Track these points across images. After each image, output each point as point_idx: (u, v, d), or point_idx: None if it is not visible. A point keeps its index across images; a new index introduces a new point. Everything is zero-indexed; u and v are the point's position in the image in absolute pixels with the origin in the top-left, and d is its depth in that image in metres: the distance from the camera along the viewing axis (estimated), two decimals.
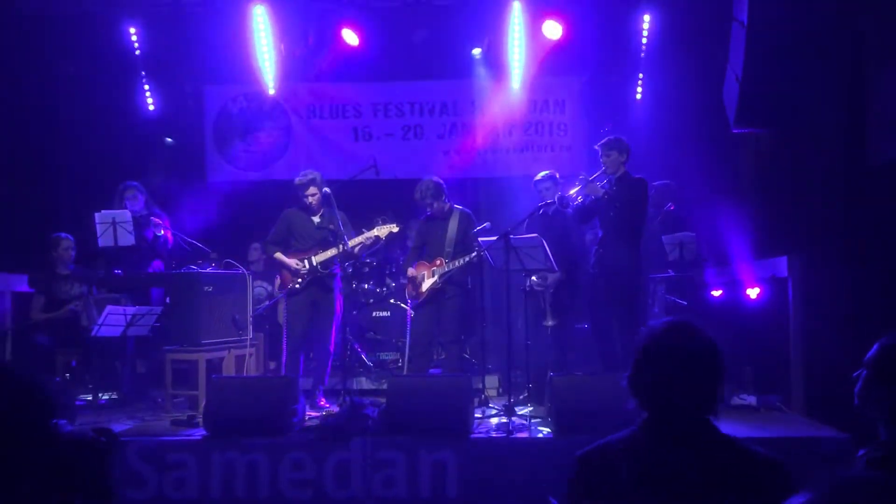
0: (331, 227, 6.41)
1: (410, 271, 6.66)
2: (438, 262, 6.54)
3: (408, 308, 7.10)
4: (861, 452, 2.13)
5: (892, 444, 2.11)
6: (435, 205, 6.56)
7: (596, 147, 6.31)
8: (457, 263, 6.47)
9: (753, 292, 6.49)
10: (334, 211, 6.39)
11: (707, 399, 2.03)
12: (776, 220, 6.60)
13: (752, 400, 6.01)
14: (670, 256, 7.25)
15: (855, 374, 2.25)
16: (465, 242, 6.58)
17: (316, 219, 6.61)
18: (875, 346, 2.20)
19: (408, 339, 6.96)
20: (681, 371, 2.01)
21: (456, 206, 6.72)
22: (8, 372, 1.71)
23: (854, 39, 5.94)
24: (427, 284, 6.55)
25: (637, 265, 6.13)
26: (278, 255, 6.58)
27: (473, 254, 6.36)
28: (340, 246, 6.30)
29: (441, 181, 6.61)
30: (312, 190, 6.49)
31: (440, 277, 6.51)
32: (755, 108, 6.22)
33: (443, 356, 6.98)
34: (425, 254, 6.71)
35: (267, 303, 7.54)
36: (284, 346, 6.66)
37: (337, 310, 6.55)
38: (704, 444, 2.01)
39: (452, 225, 6.61)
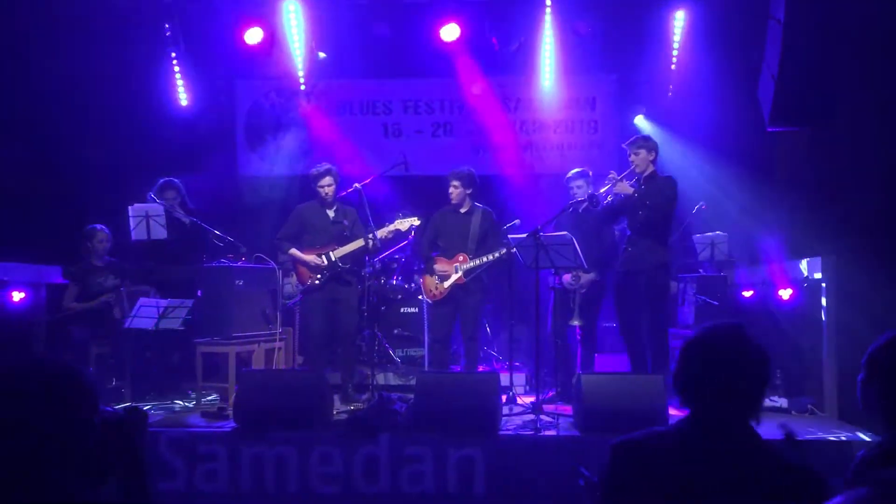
0: (345, 222, 6.45)
1: (437, 267, 6.52)
2: (462, 258, 6.45)
3: (424, 302, 7.02)
4: (861, 453, 2.14)
5: (889, 443, 2.09)
6: (459, 191, 6.46)
7: (624, 146, 6.26)
8: (484, 260, 6.38)
9: (786, 293, 6.39)
10: (366, 208, 6.39)
11: (751, 404, 2.03)
12: (810, 219, 6.50)
13: (783, 402, 5.94)
14: (701, 256, 7.19)
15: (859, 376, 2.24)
16: (486, 241, 6.50)
17: (330, 213, 6.56)
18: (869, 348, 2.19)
19: (426, 335, 6.90)
20: (731, 376, 2.01)
21: (477, 204, 6.63)
22: (49, 363, 1.72)
23: (891, 36, 5.84)
24: (451, 280, 6.45)
25: (666, 265, 6.08)
26: (293, 251, 6.51)
27: (504, 251, 6.29)
28: (370, 238, 6.28)
29: (475, 174, 6.56)
30: (329, 180, 6.46)
31: (465, 274, 6.45)
32: (791, 106, 6.14)
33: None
34: (442, 248, 6.62)
35: (294, 299, 7.58)
36: (295, 344, 6.66)
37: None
38: (744, 448, 2.00)
39: (475, 221, 6.52)
